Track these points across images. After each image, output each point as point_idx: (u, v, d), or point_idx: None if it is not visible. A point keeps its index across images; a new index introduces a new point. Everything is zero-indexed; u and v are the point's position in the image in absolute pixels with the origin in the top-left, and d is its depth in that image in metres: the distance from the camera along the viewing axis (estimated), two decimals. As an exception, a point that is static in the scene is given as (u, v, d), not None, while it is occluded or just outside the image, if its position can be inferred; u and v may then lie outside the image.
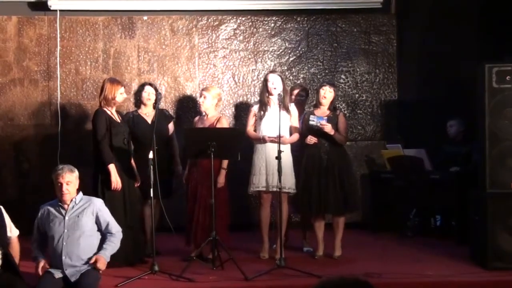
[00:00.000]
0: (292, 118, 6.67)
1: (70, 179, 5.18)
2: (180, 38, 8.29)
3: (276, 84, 6.61)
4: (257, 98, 7.36)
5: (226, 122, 6.79)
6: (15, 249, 5.18)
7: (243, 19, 8.37)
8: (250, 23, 8.37)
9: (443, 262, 6.33)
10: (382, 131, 8.54)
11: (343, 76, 8.48)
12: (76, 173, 5.27)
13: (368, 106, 8.53)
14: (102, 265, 5.18)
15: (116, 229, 5.35)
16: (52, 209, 5.25)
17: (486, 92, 6.04)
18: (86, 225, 5.22)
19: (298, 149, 6.76)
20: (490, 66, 6.04)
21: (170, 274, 5.87)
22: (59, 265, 5.13)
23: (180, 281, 5.75)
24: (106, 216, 5.35)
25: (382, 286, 5.47)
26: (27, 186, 8.03)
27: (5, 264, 4.97)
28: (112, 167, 6.20)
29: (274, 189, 6.41)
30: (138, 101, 7.17)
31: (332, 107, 6.74)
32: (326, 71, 8.45)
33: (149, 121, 6.83)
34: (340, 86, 8.31)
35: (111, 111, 6.43)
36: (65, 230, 5.16)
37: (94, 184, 6.25)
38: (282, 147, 6.18)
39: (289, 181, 6.54)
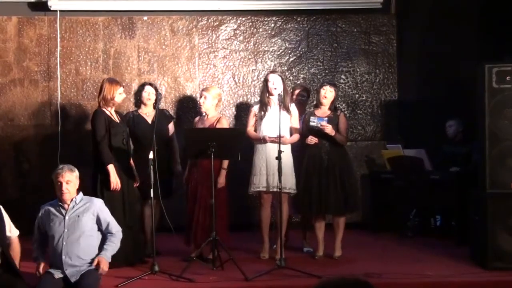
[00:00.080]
0: (293, 118, 6.67)
1: (70, 178, 5.19)
2: (180, 39, 8.29)
3: (276, 84, 6.61)
4: (257, 99, 7.36)
5: (226, 123, 6.79)
6: (16, 249, 5.18)
7: (243, 19, 8.37)
8: (250, 24, 8.38)
9: (443, 262, 6.33)
10: (382, 131, 8.54)
11: (343, 76, 8.48)
12: (76, 172, 5.27)
13: (368, 106, 8.53)
14: (105, 266, 5.19)
15: (116, 229, 5.36)
16: (52, 209, 5.25)
17: (486, 92, 6.04)
18: (86, 225, 5.22)
19: (299, 149, 6.76)
20: (490, 66, 6.04)
21: (170, 274, 5.87)
22: (59, 265, 5.13)
23: (180, 281, 5.75)
24: (107, 216, 5.35)
25: (382, 286, 5.47)
26: (27, 186, 8.03)
27: (5, 264, 4.98)
28: (111, 168, 6.20)
29: (275, 190, 6.41)
30: (138, 101, 7.18)
31: (333, 107, 6.74)
32: (326, 71, 8.45)
33: (149, 121, 6.84)
34: (340, 86, 8.31)
35: (110, 111, 6.42)
36: (65, 230, 5.16)
37: (93, 184, 6.25)
38: (283, 147, 6.18)
39: (289, 182, 6.54)
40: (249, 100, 8.24)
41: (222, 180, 6.53)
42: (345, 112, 8.07)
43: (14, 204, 6.65)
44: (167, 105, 8.12)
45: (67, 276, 5.09)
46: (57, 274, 5.11)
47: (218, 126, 6.59)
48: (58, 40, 8.08)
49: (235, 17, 8.35)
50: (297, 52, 8.43)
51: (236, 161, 6.36)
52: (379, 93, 8.54)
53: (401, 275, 5.77)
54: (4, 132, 8.10)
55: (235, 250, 6.40)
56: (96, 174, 6.29)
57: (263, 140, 6.57)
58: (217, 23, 8.34)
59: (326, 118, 6.58)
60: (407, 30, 8.53)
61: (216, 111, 6.79)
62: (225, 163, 6.54)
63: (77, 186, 5.28)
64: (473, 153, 7.21)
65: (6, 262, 4.99)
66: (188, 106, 8.24)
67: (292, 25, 8.41)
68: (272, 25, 8.39)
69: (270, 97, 6.66)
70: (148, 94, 6.96)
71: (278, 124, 6.17)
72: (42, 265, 5.19)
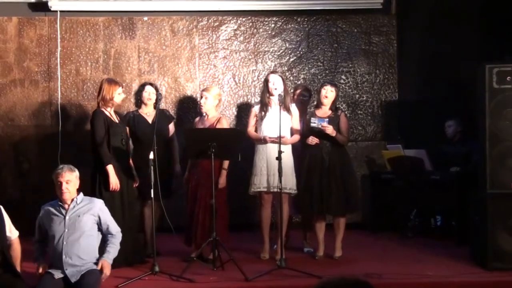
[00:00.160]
0: (293, 118, 6.67)
1: (69, 178, 5.19)
2: (181, 39, 8.29)
3: (277, 85, 6.61)
4: (257, 99, 7.36)
5: (226, 123, 6.79)
6: (16, 250, 5.17)
7: (244, 19, 8.37)
8: (251, 24, 8.38)
9: (443, 262, 6.33)
10: (383, 131, 8.54)
11: (343, 77, 8.48)
12: (76, 172, 5.28)
13: (369, 107, 8.53)
14: (108, 271, 5.21)
15: (116, 230, 5.37)
16: (52, 209, 5.25)
17: (486, 93, 6.04)
18: (86, 225, 5.23)
19: (300, 149, 6.76)
20: (490, 66, 6.04)
21: (171, 275, 5.88)
22: (60, 265, 5.13)
23: (181, 282, 5.76)
24: (107, 217, 5.37)
25: (383, 286, 5.48)
26: (27, 186, 8.03)
27: (5, 264, 4.98)
28: (110, 168, 6.20)
29: (275, 190, 6.40)
30: (139, 101, 7.18)
31: (334, 108, 6.74)
32: (327, 71, 8.45)
33: (150, 121, 6.84)
34: (341, 87, 8.30)
35: (109, 112, 6.42)
36: (66, 230, 5.16)
37: (92, 184, 6.25)
38: (283, 147, 6.18)
39: (289, 182, 6.54)
40: (249, 101, 8.24)
41: (222, 181, 6.54)
42: (346, 113, 8.06)
43: (14, 204, 6.67)
44: (168, 105, 8.12)
45: (67, 276, 5.09)
46: (57, 274, 5.11)
47: (218, 126, 6.59)
48: (59, 40, 8.08)
49: (235, 18, 8.35)
50: (298, 52, 8.43)
51: (237, 161, 6.36)
52: (379, 94, 8.54)
53: (401, 275, 5.77)
54: (4, 132, 8.10)
55: (235, 251, 6.40)
56: (95, 174, 6.29)
57: (264, 141, 6.57)
58: (217, 23, 8.34)
59: (327, 119, 6.58)
60: (407, 31, 8.53)
61: (217, 112, 6.80)
62: (226, 163, 6.54)
63: (77, 186, 5.28)
64: (472, 153, 7.22)
65: (6, 262, 4.99)
66: (188, 107, 8.24)
67: (292, 25, 8.41)
68: (273, 25, 8.39)
69: (271, 97, 6.66)
70: (149, 94, 6.96)
71: (278, 125, 6.17)
72: (41, 267, 5.20)
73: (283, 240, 6.29)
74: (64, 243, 5.14)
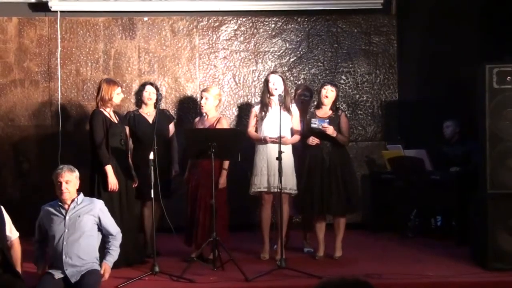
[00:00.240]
0: (293, 118, 6.67)
1: (69, 178, 5.19)
2: (181, 39, 8.29)
3: (277, 85, 6.61)
4: (258, 99, 7.37)
5: (226, 123, 6.79)
6: (17, 251, 5.17)
7: (244, 20, 8.37)
8: (251, 24, 8.38)
9: (443, 262, 6.33)
10: (383, 131, 8.54)
11: (343, 77, 8.48)
12: (76, 173, 5.28)
13: (369, 107, 8.53)
14: (108, 274, 5.25)
15: (116, 230, 5.37)
16: (52, 209, 5.25)
17: (486, 93, 6.04)
18: (86, 225, 5.22)
19: (301, 149, 6.76)
20: (490, 66, 6.03)
21: (171, 275, 5.88)
22: (60, 265, 5.12)
23: (181, 282, 5.76)
24: (108, 217, 5.37)
25: (383, 286, 5.48)
26: (27, 186, 8.03)
27: (4, 264, 4.98)
28: (109, 168, 6.20)
29: (276, 190, 6.40)
30: (139, 101, 7.19)
31: (334, 108, 6.74)
32: (327, 71, 8.45)
33: (150, 121, 6.84)
34: (341, 87, 8.29)
35: (108, 112, 6.42)
36: (66, 230, 5.16)
37: (91, 185, 6.24)
38: (283, 147, 6.18)
39: (290, 182, 6.54)
40: (249, 101, 8.24)
41: (223, 181, 6.54)
42: (346, 113, 8.06)
43: (14, 204, 6.68)
44: (168, 105, 8.12)
45: (67, 276, 5.09)
46: (57, 275, 5.10)
47: (218, 126, 6.59)
48: (59, 40, 8.08)
49: (235, 18, 8.35)
50: (298, 52, 8.43)
51: (237, 161, 6.36)
52: (379, 94, 8.54)
53: (402, 276, 5.77)
54: (4, 133, 8.10)
55: (235, 251, 6.41)
56: (93, 175, 6.28)
57: (264, 141, 6.57)
58: (217, 23, 8.34)
59: (328, 119, 6.58)
60: (407, 31, 8.53)
61: (217, 112, 6.80)
62: (226, 163, 6.54)
63: (77, 186, 5.28)
64: (472, 153, 7.21)
65: (6, 262, 4.99)
66: (188, 107, 8.24)
67: (292, 25, 8.41)
68: (273, 25, 8.39)
69: (271, 97, 6.66)
70: (149, 93, 6.96)
71: (278, 125, 6.17)
72: (41, 270, 5.21)
73: (283, 240, 6.29)
74: (64, 243, 5.14)
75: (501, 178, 6.03)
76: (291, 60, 8.42)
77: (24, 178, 8.08)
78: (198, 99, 7.45)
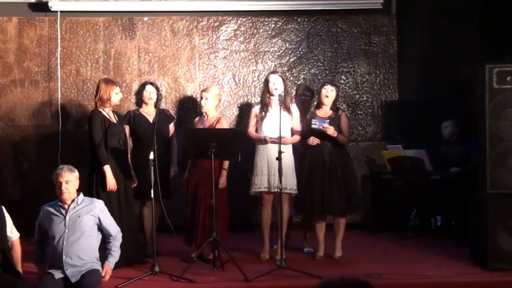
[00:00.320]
0: (294, 118, 6.67)
1: (69, 178, 5.19)
2: (181, 39, 8.29)
3: (277, 85, 6.61)
4: (258, 99, 7.37)
5: (226, 123, 6.79)
6: (17, 252, 5.17)
7: (244, 20, 8.37)
8: (251, 24, 8.38)
9: (443, 262, 6.33)
10: (383, 131, 8.54)
11: (343, 77, 8.48)
12: (76, 173, 5.28)
13: (369, 107, 8.53)
14: (108, 276, 5.28)
15: (116, 231, 5.38)
16: (52, 209, 5.26)
17: (486, 93, 6.04)
18: (86, 225, 5.23)
19: (301, 150, 6.76)
20: (490, 66, 6.03)
21: (171, 275, 5.88)
22: (60, 265, 5.13)
23: (181, 282, 5.75)
24: (108, 218, 5.38)
25: (383, 286, 5.48)
26: (27, 187, 8.03)
27: (5, 263, 4.98)
28: (107, 168, 6.20)
29: (276, 190, 6.40)
30: (140, 100, 7.19)
31: (335, 108, 6.73)
32: (327, 71, 8.45)
33: (151, 120, 6.85)
34: (341, 87, 8.29)
35: (107, 112, 6.42)
36: (66, 230, 5.17)
37: (89, 185, 6.24)
38: (283, 147, 6.18)
39: (290, 182, 6.54)
40: (249, 101, 8.24)
41: (223, 181, 6.54)
42: (346, 113, 8.06)
43: (14, 204, 6.66)
44: (168, 105, 8.12)
45: (68, 276, 5.09)
46: (58, 275, 5.11)
47: (218, 126, 6.59)
48: (59, 40, 8.08)
49: (235, 18, 8.35)
50: (298, 52, 8.43)
51: (237, 161, 6.36)
52: (379, 94, 8.53)
53: (402, 276, 5.77)
54: (4, 133, 8.10)
55: (235, 251, 6.41)
56: (92, 175, 6.28)
57: (264, 141, 6.57)
58: (217, 23, 8.34)
59: (328, 119, 6.58)
60: (407, 31, 8.53)
61: (216, 112, 6.80)
62: (226, 163, 6.54)
63: (77, 187, 5.28)
64: (471, 153, 7.21)
65: (7, 262, 4.99)
66: (188, 107, 8.24)
67: (292, 25, 8.41)
68: (273, 25, 8.39)
69: (271, 97, 6.66)
70: (149, 93, 6.97)
71: (278, 125, 6.17)
72: (41, 271, 5.21)
73: (283, 240, 6.29)
74: (64, 243, 5.14)
75: (501, 178, 6.03)
76: (291, 60, 8.42)
77: (24, 178, 8.08)
78: (198, 99, 7.45)
